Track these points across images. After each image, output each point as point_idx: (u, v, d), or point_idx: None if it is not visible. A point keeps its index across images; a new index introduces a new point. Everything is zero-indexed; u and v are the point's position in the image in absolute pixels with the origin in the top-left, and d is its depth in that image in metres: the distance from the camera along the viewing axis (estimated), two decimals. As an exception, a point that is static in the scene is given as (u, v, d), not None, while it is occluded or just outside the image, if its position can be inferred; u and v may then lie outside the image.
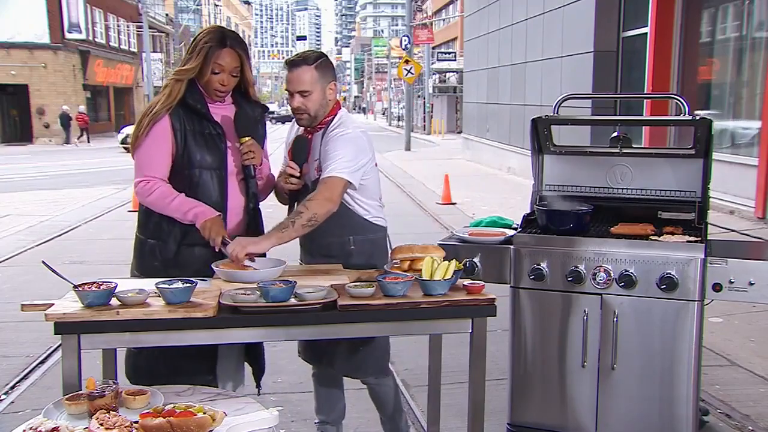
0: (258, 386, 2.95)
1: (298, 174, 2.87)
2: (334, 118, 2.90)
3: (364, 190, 2.89)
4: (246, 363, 2.99)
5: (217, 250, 2.65)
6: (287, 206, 3.01)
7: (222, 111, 2.82)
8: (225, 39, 2.74)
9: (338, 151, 2.78)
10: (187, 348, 2.45)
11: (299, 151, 2.90)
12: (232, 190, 2.81)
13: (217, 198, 2.76)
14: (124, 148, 23.78)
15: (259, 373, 2.97)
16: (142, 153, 2.74)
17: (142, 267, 2.80)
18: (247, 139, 2.78)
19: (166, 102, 2.72)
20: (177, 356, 2.63)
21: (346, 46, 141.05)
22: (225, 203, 2.77)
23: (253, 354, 2.95)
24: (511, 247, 3.04)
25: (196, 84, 2.77)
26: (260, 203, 2.97)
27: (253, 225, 2.89)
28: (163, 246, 2.75)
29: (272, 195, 3.09)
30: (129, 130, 24.44)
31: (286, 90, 2.89)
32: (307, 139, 2.91)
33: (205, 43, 2.72)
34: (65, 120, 29.68)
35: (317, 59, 2.83)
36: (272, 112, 57.11)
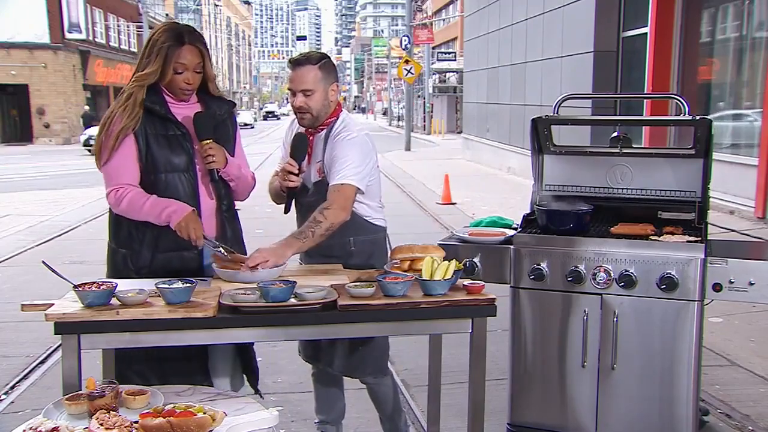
0: (256, 392, 2.90)
1: (296, 171, 2.86)
2: (336, 120, 2.90)
3: (367, 192, 2.89)
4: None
5: (200, 247, 2.61)
6: (283, 204, 2.98)
7: (186, 111, 2.75)
8: (182, 36, 2.65)
9: (348, 156, 2.79)
10: (176, 350, 2.43)
11: (298, 148, 2.88)
12: (202, 193, 2.75)
13: (188, 200, 2.69)
14: (88, 150, 22.99)
15: (254, 380, 2.93)
16: (111, 165, 2.66)
17: (116, 276, 2.71)
18: (207, 141, 2.70)
19: (134, 113, 2.64)
20: (166, 359, 2.61)
21: (346, 46, 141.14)
22: (198, 206, 2.71)
23: (245, 360, 2.90)
24: (511, 247, 3.04)
25: (155, 85, 2.69)
26: (237, 203, 2.93)
27: (230, 227, 2.84)
28: (136, 255, 2.69)
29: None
30: (93, 131, 24.13)
31: (288, 89, 2.88)
32: (306, 136, 2.91)
33: (163, 43, 2.63)
34: (88, 120, 29.98)
35: (321, 59, 2.84)
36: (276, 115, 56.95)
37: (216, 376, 2.83)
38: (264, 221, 7.79)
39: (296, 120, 2.98)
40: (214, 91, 2.84)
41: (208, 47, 2.82)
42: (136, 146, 2.66)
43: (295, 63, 2.83)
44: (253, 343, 2.90)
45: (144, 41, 2.76)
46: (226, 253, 2.63)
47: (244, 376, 2.95)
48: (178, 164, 2.69)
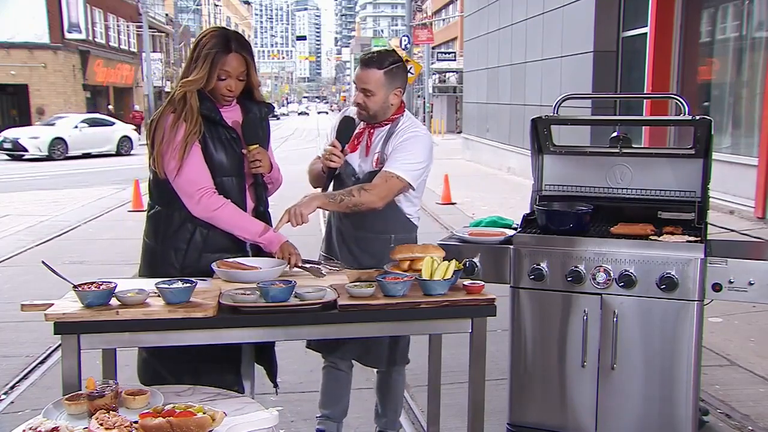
0: (275, 385, 2.91)
1: (340, 152, 2.90)
2: (401, 116, 2.99)
3: (418, 188, 2.98)
4: (257, 364, 2.96)
5: (300, 265, 2.70)
6: (320, 189, 3.02)
7: (232, 115, 2.79)
8: (230, 43, 2.67)
9: (413, 150, 2.89)
10: (211, 349, 2.43)
11: (344, 130, 2.94)
12: (246, 195, 2.79)
13: (237, 203, 2.73)
14: (7, 154, 21.34)
15: (272, 374, 2.92)
16: (190, 170, 2.66)
17: (154, 275, 2.68)
18: (254, 147, 2.75)
19: (194, 119, 2.65)
20: (199, 359, 2.61)
21: (346, 46, 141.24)
22: (245, 209, 2.76)
23: (265, 355, 2.90)
24: (511, 247, 3.04)
25: (202, 90, 2.71)
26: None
27: None
28: (182, 254, 2.70)
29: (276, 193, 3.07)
30: (10, 133, 21.49)
31: (353, 82, 2.98)
32: (353, 120, 2.97)
33: (210, 50, 2.65)
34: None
35: (390, 65, 2.90)
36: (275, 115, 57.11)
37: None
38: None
39: (345, 111, 3.10)
40: (259, 98, 2.86)
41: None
42: (200, 151, 2.69)
43: (364, 62, 2.92)
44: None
45: (191, 45, 2.79)
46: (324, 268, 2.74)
47: (260, 370, 2.95)
48: (230, 168, 2.73)
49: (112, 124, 24.14)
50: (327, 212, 3.10)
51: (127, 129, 24.65)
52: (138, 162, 19.81)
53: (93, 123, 23.21)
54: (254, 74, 2.80)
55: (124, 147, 23.56)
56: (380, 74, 2.88)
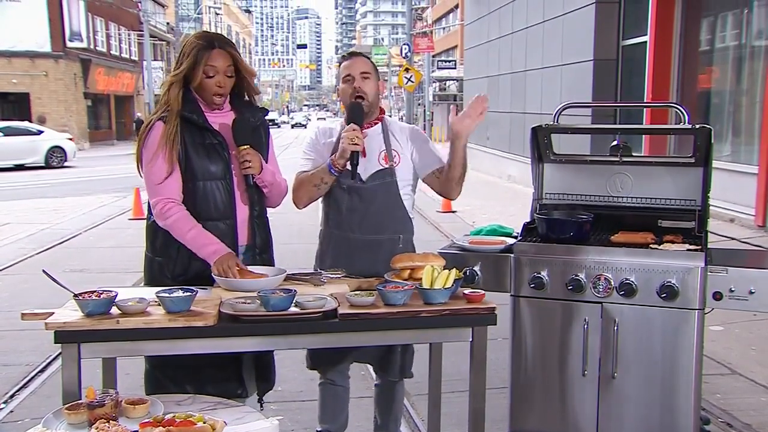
0: (260, 401, 2.88)
1: (360, 134, 2.85)
2: (384, 116, 3.10)
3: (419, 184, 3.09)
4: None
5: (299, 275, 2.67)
6: (305, 204, 3.03)
7: (221, 119, 2.78)
8: (212, 41, 2.73)
9: (432, 146, 3.14)
10: (210, 357, 2.43)
11: (356, 113, 2.93)
12: (237, 199, 2.77)
13: (225, 208, 2.73)
14: None
15: (264, 388, 2.90)
16: (156, 176, 2.68)
17: (153, 285, 2.72)
18: (244, 147, 2.74)
19: (173, 119, 2.68)
20: (201, 366, 2.60)
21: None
22: (234, 212, 2.75)
23: (263, 366, 2.88)
24: (512, 255, 3.04)
25: (191, 93, 2.74)
26: (269, 210, 2.96)
27: (260, 234, 2.86)
28: (173, 263, 2.72)
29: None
30: None
31: (345, 77, 2.99)
32: (360, 104, 2.95)
33: (193, 48, 2.71)
34: (140, 125, 30.48)
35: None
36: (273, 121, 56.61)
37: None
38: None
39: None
40: (251, 93, 2.89)
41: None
42: (174, 158, 2.69)
43: (351, 54, 3.11)
44: (272, 351, 2.89)
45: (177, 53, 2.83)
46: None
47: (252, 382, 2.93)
48: (215, 172, 2.73)
49: (39, 132, 21.69)
50: (325, 220, 3.09)
51: (60, 138, 22.02)
52: (68, 175, 18.40)
53: (11, 132, 20.91)
54: (244, 65, 2.81)
55: (55, 158, 21.28)
56: (369, 61, 3.05)
